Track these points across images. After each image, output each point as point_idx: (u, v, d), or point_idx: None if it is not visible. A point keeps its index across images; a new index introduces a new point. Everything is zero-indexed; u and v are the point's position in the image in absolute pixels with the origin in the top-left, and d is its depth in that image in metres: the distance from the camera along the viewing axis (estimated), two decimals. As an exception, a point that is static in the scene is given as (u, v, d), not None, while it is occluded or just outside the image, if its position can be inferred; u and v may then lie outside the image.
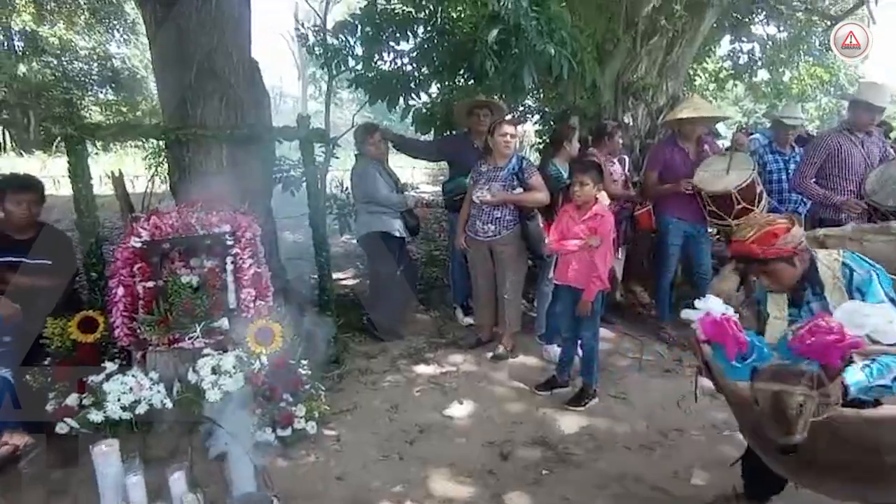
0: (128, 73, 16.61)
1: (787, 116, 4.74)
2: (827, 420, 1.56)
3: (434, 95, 5.94)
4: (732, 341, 1.77)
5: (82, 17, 12.57)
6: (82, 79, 15.86)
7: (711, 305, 1.87)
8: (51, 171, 13.33)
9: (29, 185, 3.09)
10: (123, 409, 2.63)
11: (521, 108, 7.25)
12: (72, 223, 3.36)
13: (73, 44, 14.60)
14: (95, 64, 15.79)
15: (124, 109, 16.46)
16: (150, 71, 18.19)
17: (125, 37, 14.61)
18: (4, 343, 2.83)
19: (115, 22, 13.26)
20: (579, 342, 3.49)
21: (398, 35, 5.15)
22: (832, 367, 1.55)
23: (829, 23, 7.61)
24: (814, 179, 3.95)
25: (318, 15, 5.43)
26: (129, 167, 11.58)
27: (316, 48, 5.29)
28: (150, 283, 2.92)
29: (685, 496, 2.56)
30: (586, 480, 2.68)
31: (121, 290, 2.85)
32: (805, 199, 4.35)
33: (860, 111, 3.88)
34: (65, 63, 14.96)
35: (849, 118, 4.02)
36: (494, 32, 3.91)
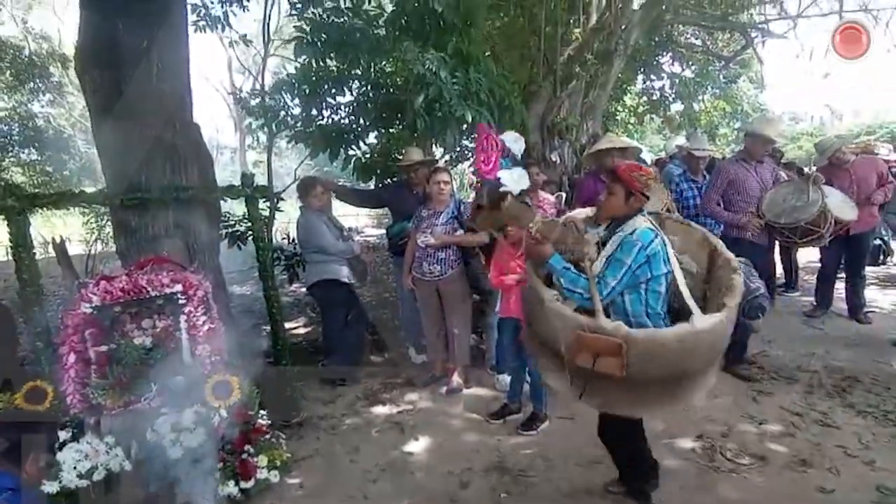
0: (52, 132, 16.10)
1: (696, 148, 5.22)
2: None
3: (373, 145, 6.17)
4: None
5: (2, 79, 12.19)
6: (2, 139, 15.28)
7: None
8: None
9: None
10: (80, 476, 2.61)
11: (458, 149, 7.61)
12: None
13: (-8, 106, 14.10)
14: (16, 124, 15.25)
15: (50, 170, 15.86)
16: (78, 129, 17.67)
17: (52, 97, 14.19)
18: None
19: (40, 82, 12.89)
20: (527, 369, 3.67)
21: (334, 91, 5.39)
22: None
23: (723, 62, 8.52)
24: (721, 204, 4.38)
25: (251, 74, 5.62)
26: (59, 229, 11.16)
27: (255, 110, 5.43)
28: (103, 348, 2.92)
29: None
30: (542, 497, 2.85)
31: (72, 357, 2.83)
32: (717, 223, 4.78)
33: (757, 143, 4.31)
34: (-18, 125, 14.40)
35: (745, 148, 4.47)
36: (421, 98, 4.23)
